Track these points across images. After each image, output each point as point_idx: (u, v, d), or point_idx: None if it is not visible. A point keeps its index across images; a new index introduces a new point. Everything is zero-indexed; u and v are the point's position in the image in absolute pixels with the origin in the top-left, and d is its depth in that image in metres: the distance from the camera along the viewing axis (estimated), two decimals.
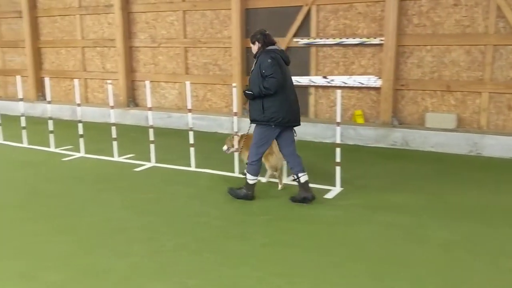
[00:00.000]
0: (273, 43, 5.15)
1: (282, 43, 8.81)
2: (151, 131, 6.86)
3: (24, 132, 8.13)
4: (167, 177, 6.31)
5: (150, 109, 6.90)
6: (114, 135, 7.16)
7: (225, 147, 6.07)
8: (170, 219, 4.76)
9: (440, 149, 7.57)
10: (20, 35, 11.90)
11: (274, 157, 5.54)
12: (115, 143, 7.20)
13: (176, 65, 10.13)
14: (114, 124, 7.20)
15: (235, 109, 6.47)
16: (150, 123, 6.90)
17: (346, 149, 7.06)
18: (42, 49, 11.77)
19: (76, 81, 7.49)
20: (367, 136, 8.08)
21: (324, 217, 4.78)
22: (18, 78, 8.13)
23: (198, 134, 7.84)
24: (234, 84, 6.52)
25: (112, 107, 7.16)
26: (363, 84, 8.35)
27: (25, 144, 8.11)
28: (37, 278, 3.57)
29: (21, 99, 8.14)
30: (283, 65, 5.07)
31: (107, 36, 10.73)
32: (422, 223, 4.61)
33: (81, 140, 7.50)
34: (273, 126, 5.06)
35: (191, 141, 6.57)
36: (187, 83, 6.60)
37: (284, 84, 5.02)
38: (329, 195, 5.43)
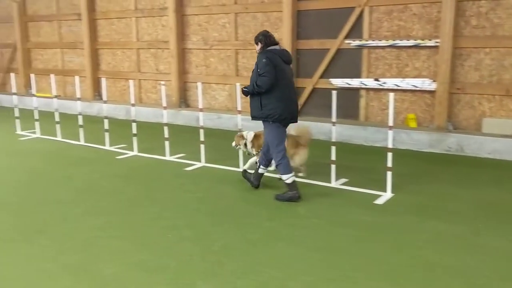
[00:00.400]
0: (275, 44, 5.40)
1: (332, 45, 8.74)
2: (201, 131, 6.97)
3: (81, 130, 8.48)
4: (216, 177, 6.39)
5: (201, 110, 7.02)
6: (166, 135, 7.34)
7: (233, 144, 6.40)
8: (219, 219, 4.82)
9: (497, 156, 7.25)
10: (79, 37, 12.42)
11: (298, 157, 5.98)
12: (167, 143, 7.37)
13: (226, 67, 10.25)
14: (166, 124, 7.37)
15: None
16: (201, 124, 7.01)
17: (398, 153, 6.91)
18: (99, 51, 12.24)
19: (131, 82, 7.74)
20: (420, 140, 7.85)
21: (375, 223, 4.69)
22: (77, 78, 8.50)
23: None
24: None
25: (164, 108, 7.34)
26: (416, 87, 8.12)
27: (81, 142, 8.46)
28: (92, 271, 3.71)
29: (79, 99, 8.50)
30: (280, 65, 5.26)
31: (161, 38, 11.01)
32: (477, 231, 4.43)
33: (135, 139, 7.73)
34: (270, 122, 5.30)
35: None
36: (237, 84, 6.66)
37: (280, 83, 5.22)
38: (379, 201, 5.32)
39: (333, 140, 5.90)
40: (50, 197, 5.56)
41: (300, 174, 6.12)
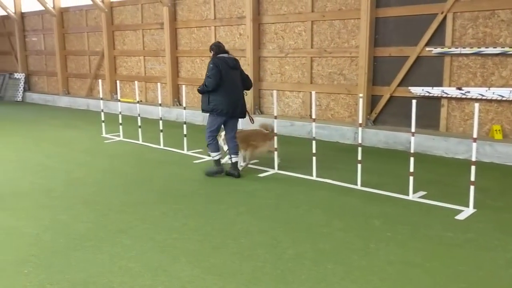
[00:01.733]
0: (224, 52, 6.65)
1: (412, 52, 8.47)
2: (275, 138, 7.03)
3: (161, 135, 8.87)
4: (288, 184, 6.41)
5: (275, 117, 7.09)
6: None
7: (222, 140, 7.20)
8: (291, 227, 4.83)
9: None
10: (161, 45, 13.02)
11: (257, 151, 7.05)
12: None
13: (301, 75, 10.27)
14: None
15: (360, 120, 6.36)
16: (275, 131, 7.07)
17: (481, 166, 6.55)
18: (180, 58, 12.74)
19: None
20: (506, 153, 7.38)
21: (455, 240, 4.47)
22: (158, 85, 8.91)
23: (320, 143, 7.85)
24: (360, 95, 6.42)
25: None
26: (503, 97, 7.65)
27: (161, 146, 8.84)
28: (170, 272, 3.86)
29: (160, 104, 8.90)
30: (226, 69, 6.46)
31: (238, 46, 11.26)
32: None
33: None
34: (215, 114, 6.54)
35: (314, 150, 6.60)
36: (313, 92, 6.66)
37: (225, 83, 6.45)
38: (460, 216, 5.06)
39: (412, 150, 5.71)
40: (131, 198, 5.87)
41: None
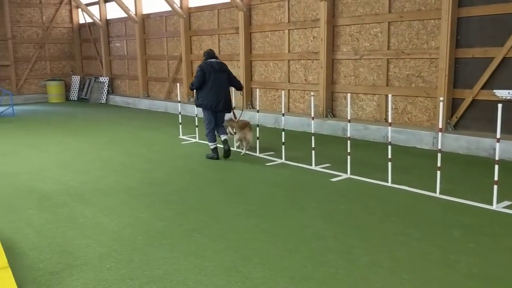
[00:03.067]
0: (213, 58, 8.15)
1: (498, 53, 7.97)
2: (348, 142, 6.92)
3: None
4: (362, 190, 6.28)
5: (349, 121, 6.97)
6: (313, 144, 7.44)
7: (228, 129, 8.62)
8: (364, 233, 4.73)
9: None
10: (236, 49, 13.27)
11: (238, 134, 8.44)
12: (313, 152, 7.47)
13: (376, 77, 10.03)
14: (313, 134, 7.48)
15: (440, 124, 6.07)
16: (348, 134, 6.96)
17: None
18: (253, 62, 12.92)
19: (282, 93, 8.05)
20: None
21: None
22: (232, 88, 9.07)
23: (395, 148, 7.62)
24: (441, 98, 6.14)
25: (313, 118, 7.45)
26: None
27: (234, 148, 8.98)
28: (243, 273, 3.92)
29: (233, 107, 9.05)
30: (211, 71, 7.95)
31: (311, 49, 11.22)
32: None
33: (283, 147, 7.99)
34: (203, 108, 8.12)
35: (389, 155, 6.41)
36: (389, 95, 6.47)
37: (209, 83, 7.95)
38: None
39: (497, 158, 5.38)
40: (206, 198, 6.04)
41: (242, 151, 8.56)
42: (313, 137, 7.46)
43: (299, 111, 11.78)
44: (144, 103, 16.89)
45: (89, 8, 19.03)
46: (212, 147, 8.21)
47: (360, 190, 6.28)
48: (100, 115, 15.13)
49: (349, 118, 6.97)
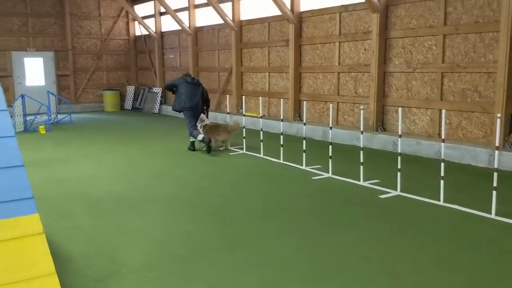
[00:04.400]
0: (188, 76, 10.59)
1: None
2: (399, 158, 6.71)
3: (281, 149, 9.00)
4: (412, 208, 6.05)
5: (400, 136, 6.77)
6: (361, 159, 7.27)
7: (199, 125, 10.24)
8: (415, 256, 4.53)
9: None
10: (285, 62, 13.27)
11: (220, 136, 10.16)
12: (361, 167, 7.30)
13: (430, 91, 9.70)
14: (362, 148, 7.32)
15: (497, 142, 5.77)
16: (399, 150, 6.75)
17: None
18: (302, 74, 12.87)
19: (330, 105, 7.94)
20: None
21: None
22: (281, 101, 9.09)
23: (448, 165, 7.31)
24: (498, 114, 5.85)
25: (362, 132, 7.29)
26: None
27: (280, 160, 8.96)
28: None
29: (281, 120, 9.04)
30: (183, 84, 10.34)
31: (362, 61, 11.04)
32: None
33: (330, 161, 7.86)
34: (181, 112, 10.33)
35: (442, 172, 6.15)
36: (443, 110, 6.23)
37: (179, 92, 10.32)
38: None
39: None
40: (249, 211, 6.02)
41: (221, 148, 10.23)
42: (361, 151, 7.30)
43: (348, 124, 11.59)
44: None
45: (145, 21, 19.68)
46: (200, 138, 9.88)
47: (410, 208, 6.06)
48: (152, 124, 15.54)
49: (400, 132, 6.77)
